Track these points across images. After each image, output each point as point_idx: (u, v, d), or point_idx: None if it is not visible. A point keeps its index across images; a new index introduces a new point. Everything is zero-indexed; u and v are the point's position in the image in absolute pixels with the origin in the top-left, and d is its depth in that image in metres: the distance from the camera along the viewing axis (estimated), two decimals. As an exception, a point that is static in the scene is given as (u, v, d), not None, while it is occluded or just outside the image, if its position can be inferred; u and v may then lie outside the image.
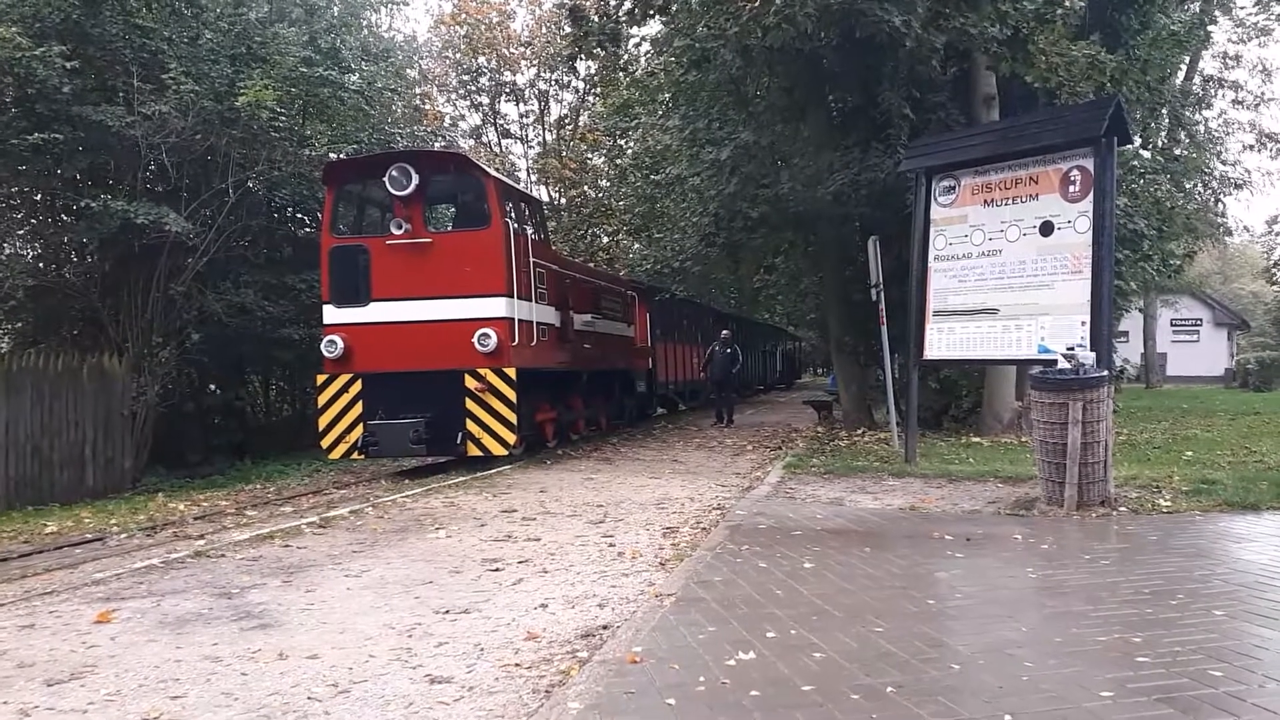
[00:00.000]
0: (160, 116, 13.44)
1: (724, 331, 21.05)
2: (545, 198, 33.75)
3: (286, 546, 7.43)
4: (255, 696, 4.03)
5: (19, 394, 11.78)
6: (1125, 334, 36.61)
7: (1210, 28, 19.06)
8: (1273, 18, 29.30)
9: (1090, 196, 8.83)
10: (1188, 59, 24.27)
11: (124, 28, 13.76)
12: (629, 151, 30.53)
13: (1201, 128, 26.34)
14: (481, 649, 4.64)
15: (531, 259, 12.84)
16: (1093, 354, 7.94)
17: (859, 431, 15.50)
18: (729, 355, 19.93)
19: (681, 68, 15.70)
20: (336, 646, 4.71)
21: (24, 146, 12.55)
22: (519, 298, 12.31)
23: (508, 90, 36.98)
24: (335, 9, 18.62)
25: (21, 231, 15.50)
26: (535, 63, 36.16)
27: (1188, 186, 19.17)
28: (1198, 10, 18.07)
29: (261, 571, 6.50)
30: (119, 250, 14.22)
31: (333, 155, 16.51)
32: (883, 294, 12.82)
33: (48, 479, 12.02)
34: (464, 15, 35.70)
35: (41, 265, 14.99)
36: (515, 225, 12.52)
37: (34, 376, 12.02)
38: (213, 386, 18.08)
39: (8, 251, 15.25)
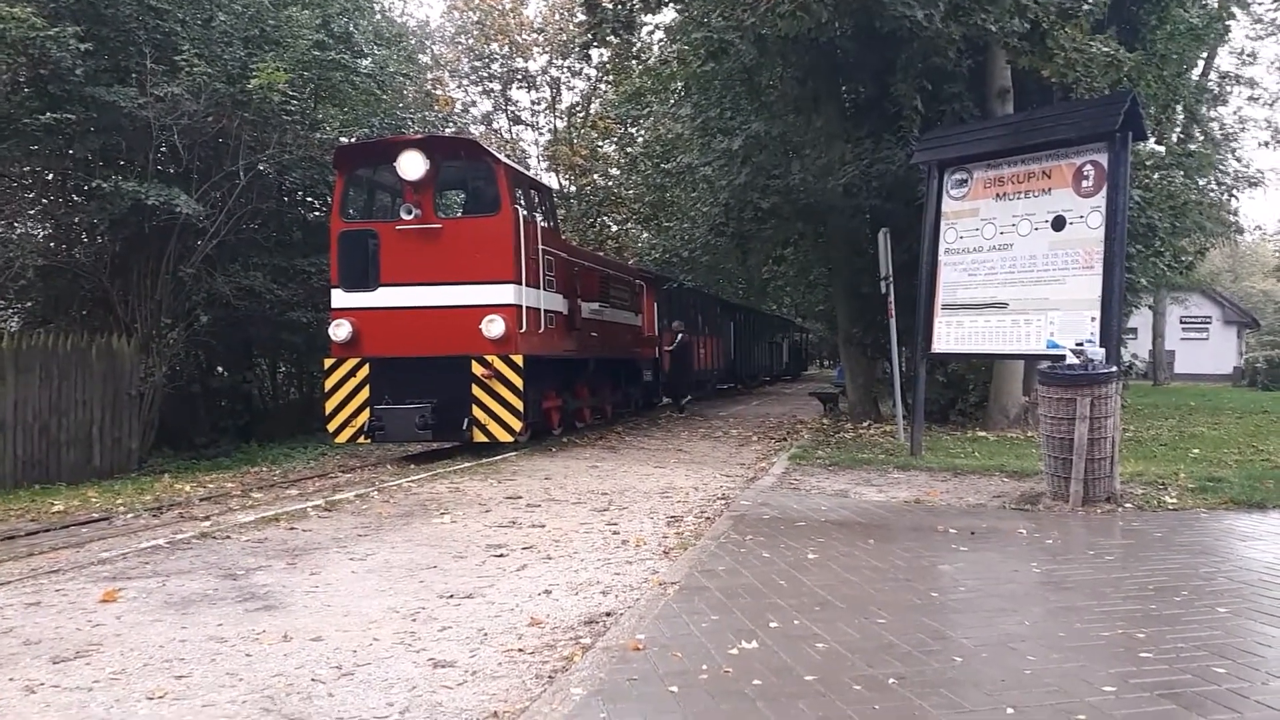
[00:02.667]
0: (172, 98, 13.43)
1: (674, 322, 21.21)
2: (555, 185, 33.70)
3: (292, 529, 7.46)
4: (259, 677, 4.05)
5: (28, 373, 11.82)
6: (1134, 331, 36.44)
7: (1228, 23, 18.86)
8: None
9: (1103, 192, 8.78)
10: (1205, 54, 24.09)
11: (137, 9, 13.73)
12: (640, 140, 30.52)
13: (1217, 124, 26.17)
14: (485, 634, 4.65)
15: (541, 246, 12.83)
16: (1101, 350, 7.91)
17: (865, 424, 15.49)
18: (683, 345, 20.73)
19: (699, 59, 15.64)
20: (340, 629, 4.73)
21: (36, 126, 12.55)
22: (527, 285, 12.31)
23: (519, 77, 36.88)
24: (348, -8, 18.56)
25: (32, 211, 15.49)
26: (547, 49, 36.07)
27: (1201, 183, 19.04)
28: (1215, 5, 17.88)
29: (266, 553, 6.53)
30: (129, 231, 14.23)
31: (344, 139, 16.49)
32: (892, 286, 12.79)
33: (55, 458, 12.07)
34: (477, 1, 35.61)
35: (52, 245, 14.97)
36: (525, 212, 12.50)
37: (43, 356, 12.06)
38: (220, 369, 18.10)
39: (19, 231, 15.25)
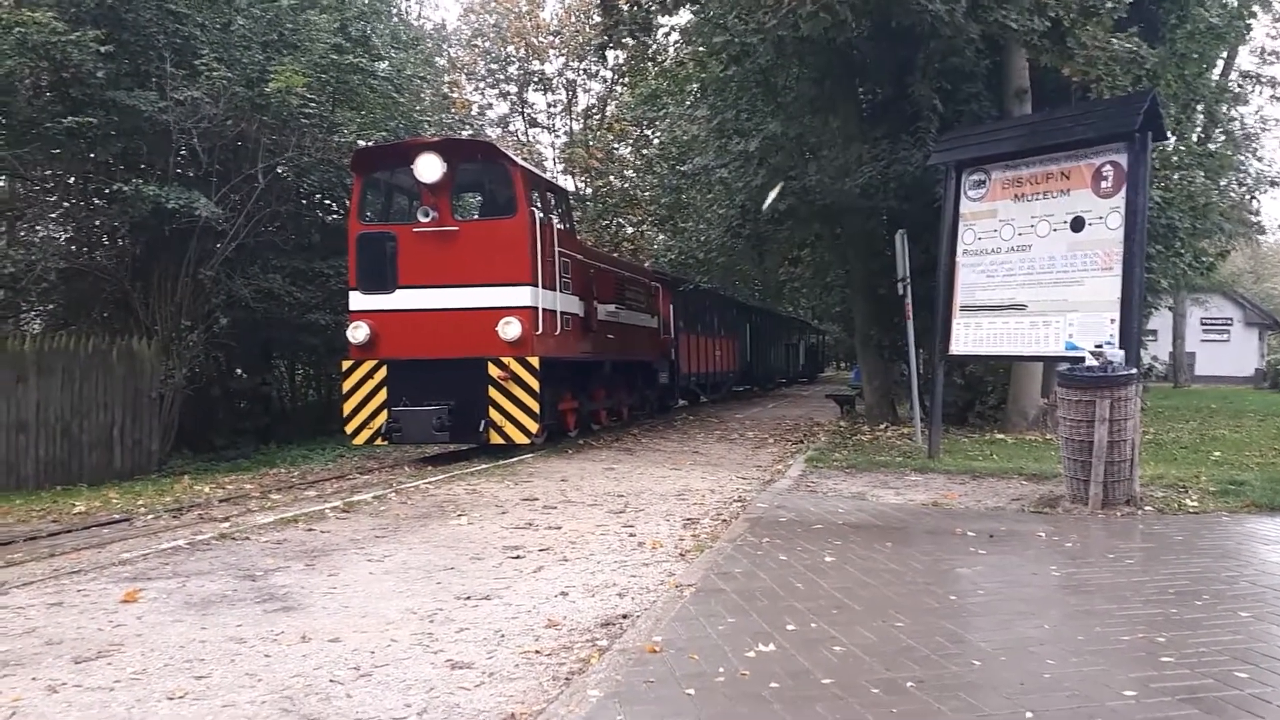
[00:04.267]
0: (192, 102, 13.54)
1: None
2: (571, 187, 33.73)
3: (310, 530, 7.49)
4: (278, 678, 4.07)
5: (49, 375, 11.94)
6: (1154, 332, 36.13)
7: (1249, 21, 18.66)
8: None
9: (1123, 192, 8.72)
10: (1225, 54, 23.85)
11: (158, 13, 13.84)
12: (656, 142, 30.49)
13: (1238, 124, 25.91)
14: (502, 635, 4.66)
15: (557, 248, 12.84)
16: (1121, 352, 7.85)
17: (882, 426, 15.43)
18: None
19: (721, 64, 15.58)
20: (358, 630, 4.75)
21: (58, 130, 12.68)
22: (543, 287, 12.33)
23: (536, 79, 36.97)
24: (366, -4, 18.65)
25: (54, 215, 15.65)
26: (564, 52, 36.15)
27: (1221, 183, 18.85)
28: (1236, 4, 17.71)
29: (285, 554, 6.57)
30: (149, 234, 14.35)
31: (361, 142, 16.57)
32: (909, 288, 12.74)
33: (76, 460, 12.17)
34: (494, 3, 35.73)
35: (73, 248, 15.13)
36: (541, 215, 12.53)
37: (64, 358, 12.17)
38: (239, 371, 18.20)
39: (41, 234, 15.43)
